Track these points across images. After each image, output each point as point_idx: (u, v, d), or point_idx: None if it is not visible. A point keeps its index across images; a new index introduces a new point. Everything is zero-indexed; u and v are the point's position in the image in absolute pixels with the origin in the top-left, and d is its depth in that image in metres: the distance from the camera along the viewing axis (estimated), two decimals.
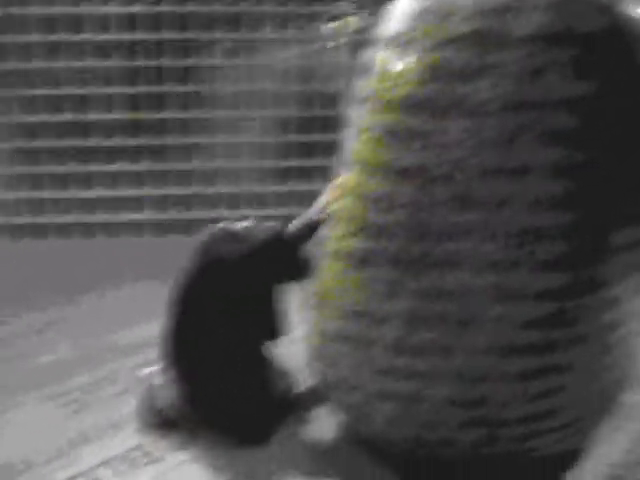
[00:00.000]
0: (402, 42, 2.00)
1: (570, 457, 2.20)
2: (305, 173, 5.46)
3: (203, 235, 2.21)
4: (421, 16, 1.99)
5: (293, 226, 2.20)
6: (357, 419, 2.18)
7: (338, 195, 2.10)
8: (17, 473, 2.37)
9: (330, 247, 2.14)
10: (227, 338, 2.15)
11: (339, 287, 2.09)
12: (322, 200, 2.22)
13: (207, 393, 2.23)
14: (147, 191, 5.32)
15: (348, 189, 2.08)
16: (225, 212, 5.33)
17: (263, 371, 2.29)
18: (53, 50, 4.99)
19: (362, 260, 2.04)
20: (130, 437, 2.53)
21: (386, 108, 2.01)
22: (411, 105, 1.96)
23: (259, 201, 5.52)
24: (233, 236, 2.13)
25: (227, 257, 2.13)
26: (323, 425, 2.56)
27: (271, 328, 2.20)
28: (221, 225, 2.23)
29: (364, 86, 2.11)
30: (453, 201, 1.93)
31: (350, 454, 2.40)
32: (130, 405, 2.63)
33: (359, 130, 2.10)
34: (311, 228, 2.17)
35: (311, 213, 2.21)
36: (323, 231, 2.20)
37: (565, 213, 1.90)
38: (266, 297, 2.18)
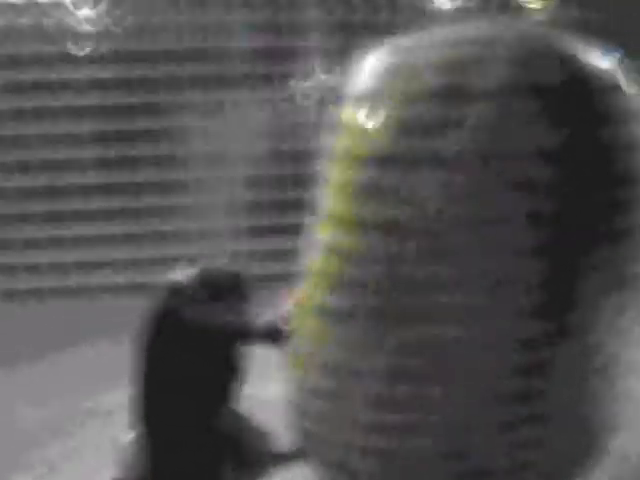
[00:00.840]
0: (370, 99, 2.03)
1: None
2: (278, 231, 5.48)
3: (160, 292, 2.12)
4: (388, 73, 2.04)
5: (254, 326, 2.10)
6: (340, 476, 2.14)
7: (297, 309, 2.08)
8: None
9: (307, 303, 2.12)
10: (183, 405, 2.04)
11: (318, 343, 2.07)
12: (282, 307, 2.18)
13: (168, 465, 2.11)
14: (122, 253, 5.28)
15: (323, 246, 2.09)
16: None
17: (222, 441, 2.17)
18: (21, 114, 5.01)
19: (340, 316, 2.03)
20: None
21: (357, 164, 2.03)
22: (382, 161, 1.98)
23: (233, 259, 5.51)
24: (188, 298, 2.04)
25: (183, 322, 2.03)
26: None
27: (229, 390, 2.11)
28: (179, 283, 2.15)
29: (335, 143, 2.14)
30: (429, 254, 1.93)
31: None
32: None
33: (331, 186, 2.11)
34: (273, 336, 2.11)
35: (271, 317, 2.14)
36: (298, 290, 2.19)
37: (541, 261, 1.92)
38: (224, 361, 2.09)
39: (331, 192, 2.10)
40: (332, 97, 2.26)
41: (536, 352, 1.95)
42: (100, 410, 3.14)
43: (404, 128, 1.96)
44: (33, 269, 5.11)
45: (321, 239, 2.13)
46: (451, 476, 2.02)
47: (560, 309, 1.96)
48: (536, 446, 2.02)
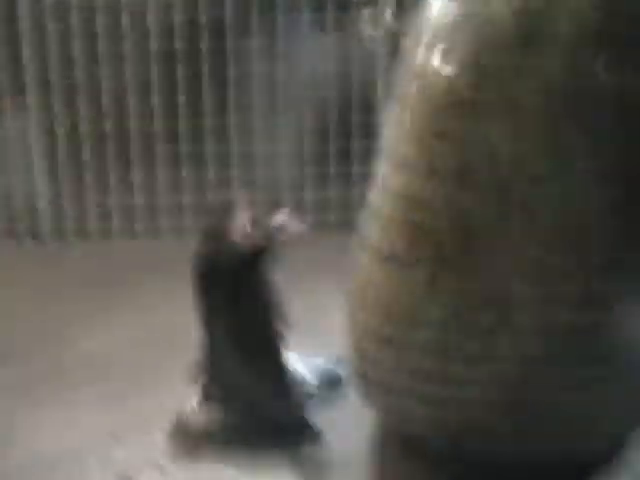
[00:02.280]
0: (445, 44, 1.99)
1: (604, 463, 2.16)
2: (344, 179, 5.46)
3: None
4: (464, 18, 1.98)
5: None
6: (395, 420, 2.19)
7: None
8: None
9: (371, 247, 2.12)
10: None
11: (380, 287, 2.07)
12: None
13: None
14: (187, 198, 5.36)
15: (393, 192, 2.09)
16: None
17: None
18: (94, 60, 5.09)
19: (404, 261, 2.02)
20: None
21: (430, 110, 2.00)
22: (456, 107, 1.95)
23: (297, 209, 5.52)
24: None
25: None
26: (361, 424, 2.54)
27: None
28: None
29: (407, 87, 2.10)
30: (498, 203, 1.91)
31: (387, 454, 2.40)
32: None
33: (403, 133, 2.09)
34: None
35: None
36: (365, 230, 2.20)
37: (616, 217, 1.89)
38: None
39: (402, 139, 2.08)
40: (405, 42, 2.19)
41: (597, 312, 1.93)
42: None
43: (478, 74, 1.92)
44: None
45: (391, 186, 2.11)
46: (505, 428, 2.02)
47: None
48: (597, 404, 2.02)
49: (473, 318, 1.95)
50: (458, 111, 1.92)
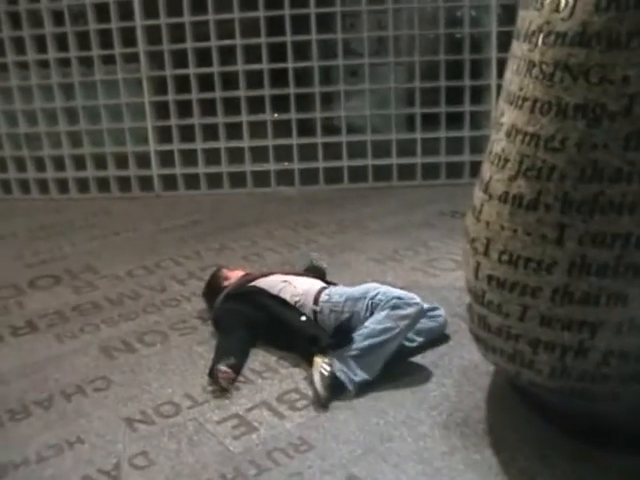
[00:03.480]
0: None
1: None
2: (453, 119, 5.27)
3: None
4: None
5: None
6: (516, 368, 2.10)
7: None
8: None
9: (496, 189, 2.02)
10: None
11: (505, 231, 1.98)
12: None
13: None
14: (296, 140, 5.36)
15: (511, 130, 1.96)
16: (370, 161, 5.34)
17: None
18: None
19: (530, 202, 1.92)
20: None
21: (557, 41, 1.86)
22: (585, 37, 1.80)
23: (404, 149, 5.39)
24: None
25: None
26: (479, 371, 2.59)
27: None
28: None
29: (531, 19, 1.95)
30: (628, 139, 1.78)
31: (506, 402, 2.40)
32: None
33: (527, 66, 1.95)
34: None
35: None
36: (488, 173, 2.09)
37: None
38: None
39: (523, 73, 1.95)
40: None
41: None
42: None
43: (601, 5, 1.77)
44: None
45: (509, 123, 1.99)
46: (631, 377, 1.94)
47: None
48: None
49: (605, 256, 1.84)
50: (576, 43, 1.78)
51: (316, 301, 2.87)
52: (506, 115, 2.02)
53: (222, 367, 2.59)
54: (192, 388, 2.66)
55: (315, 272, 3.34)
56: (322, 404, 2.46)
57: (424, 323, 2.84)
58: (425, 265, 3.75)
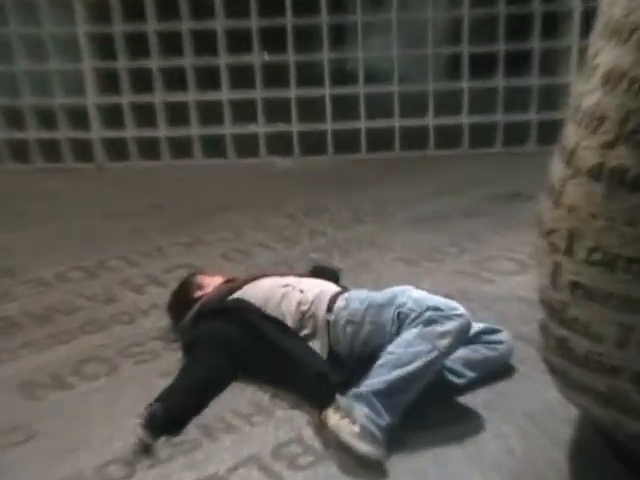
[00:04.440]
0: None
1: None
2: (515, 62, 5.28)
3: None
4: None
5: None
6: (612, 414, 2.10)
7: None
8: None
9: (585, 161, 2.00)
10: None
11: (598, 220, 1.95)
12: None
13: None
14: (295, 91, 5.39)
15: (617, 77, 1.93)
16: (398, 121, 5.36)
17: None
18: None
19: (635, 179, 1.88)
20: None
21: None
22: None
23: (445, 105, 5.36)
24: None
25: None
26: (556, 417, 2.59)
27: None
28: None
29: None
30: None
31: (595, 462, 2.41)
32: None
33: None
34: None
35: None
36: (573, 138, 2.06)
37: None
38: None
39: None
40: None
41: None
42: None
43: None
44: None
45: (608, 65, 1.96)
46: None
47: None
48: None
49: None
50: None
51: (330, 308, 2.87)
52: (603, 54, 1.99)
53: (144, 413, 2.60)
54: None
55: (324, 275, 3.36)
56: (374, 463, 2.45)
57: (478, 351, 2.84)
58: (475, 267, 3.77)
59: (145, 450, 2.56)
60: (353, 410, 2.51)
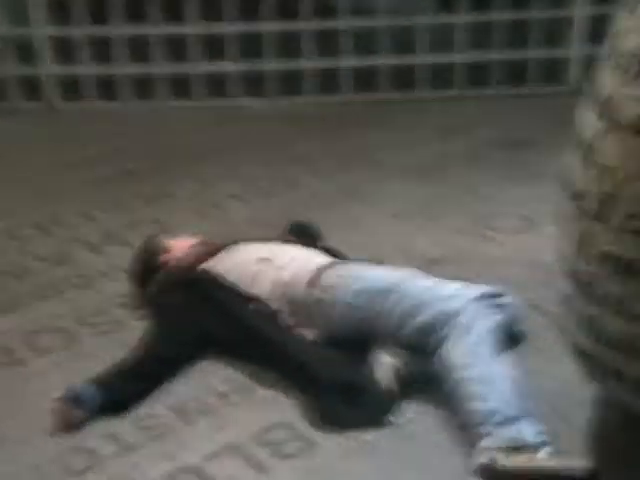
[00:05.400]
0: None
1: None
2: None
3: None
4: None
5: None
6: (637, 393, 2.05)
7: None
8: None
9: (625, 110, 1.88)
10: None
11: None
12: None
13: None
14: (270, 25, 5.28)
15: None
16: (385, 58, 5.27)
17: None
18: None
19: None
20: None
21: None
22: None
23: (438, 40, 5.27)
24: None
25: None
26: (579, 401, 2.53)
27: None
28: None
29: None
30: None
31: (627, 455, 2.34)
32: None
33: None
34: None
35: None
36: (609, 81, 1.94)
37: None
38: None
39: None
40: None
41: None
42: None
43: None
44: None
45: None
46: None
47: None
48: None
49: None
50: None
51: (313, 284, 2.77)
52: None
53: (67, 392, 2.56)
54: (116, 423, 2.56)
55: (301, 235, 3.30)
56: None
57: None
58: (475, 224, 3.72)
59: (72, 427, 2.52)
60: (521, 438, 2.37)
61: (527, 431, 2.36)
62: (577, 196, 2.04)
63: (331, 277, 2.79)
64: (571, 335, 2.18)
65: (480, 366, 2.46)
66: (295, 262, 2.90)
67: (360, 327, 2.69)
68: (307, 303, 2.79)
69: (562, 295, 2.21)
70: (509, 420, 2.36)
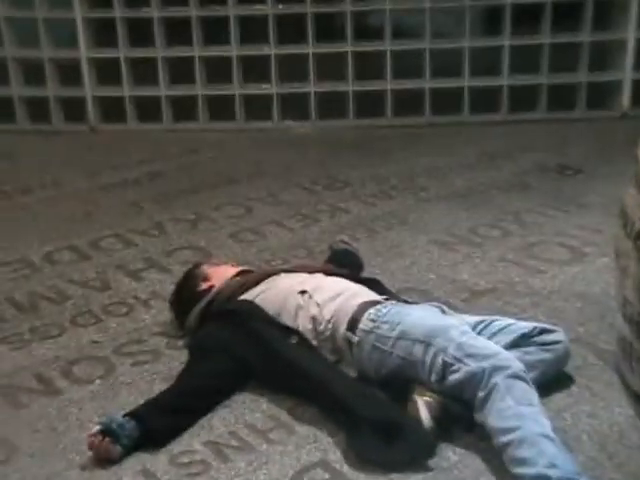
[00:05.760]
0: None
1: None
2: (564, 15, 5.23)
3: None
4: None
5: None
6: None
7: None
8: None
9: None
10: None
11: None
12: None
13: None
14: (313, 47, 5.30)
15: None
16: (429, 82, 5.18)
17: None
18: None
19: None
20: None
21: None
22: None
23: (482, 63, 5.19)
24: None
25: None
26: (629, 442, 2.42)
27: None
28: None
29: None
30: None
31: None
32: None
33: None
34: None
35: None
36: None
37: None
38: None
39: None
40: None
41: None
42: None
43: None
44: None
45: None
46: None
47: None
48: None
49: None
50: None
51: (353, 326, 2.70)
52: None
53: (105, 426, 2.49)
54: (151, 458, 2.49)
55: (343, 263, 3.24)
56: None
57: (530, 354, 2.63)
58: (522, 254, 3.64)
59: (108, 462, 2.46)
60: None
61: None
62: (638, 237, 1.96)
63: (370, 321, 2.72)
64: (630, 378, 2.10)
65: (523, 429, 2.33)
66: (336, 301, 2.82)
67: (399, 372, 2.62)
68: (347, 345, 2.72)
69: (619, 336, 2.13)
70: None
